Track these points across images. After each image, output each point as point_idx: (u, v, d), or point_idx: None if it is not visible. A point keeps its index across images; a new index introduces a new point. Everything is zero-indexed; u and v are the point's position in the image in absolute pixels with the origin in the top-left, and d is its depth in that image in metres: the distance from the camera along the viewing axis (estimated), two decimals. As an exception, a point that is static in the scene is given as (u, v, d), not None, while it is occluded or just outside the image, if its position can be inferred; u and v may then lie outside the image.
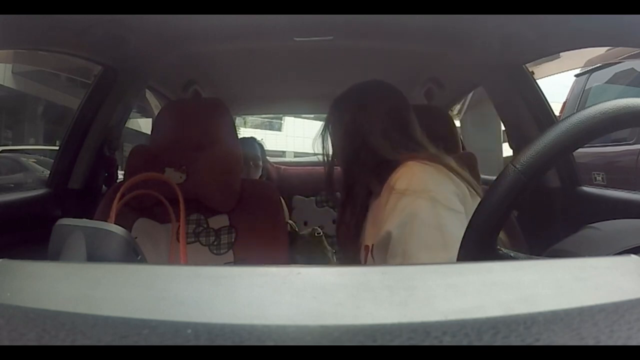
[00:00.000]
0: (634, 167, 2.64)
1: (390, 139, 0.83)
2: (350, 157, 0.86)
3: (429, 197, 0.71)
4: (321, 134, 0.95)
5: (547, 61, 1.21)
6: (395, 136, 0.83)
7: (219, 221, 1.00)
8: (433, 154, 0.82)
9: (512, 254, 0.45)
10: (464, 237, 0.44)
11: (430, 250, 0.67)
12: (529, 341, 0.21)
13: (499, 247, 0.44)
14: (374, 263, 0.76)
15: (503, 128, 1.50)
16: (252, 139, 1.84)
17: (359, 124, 0.84)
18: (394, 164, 0.78)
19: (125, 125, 1.45)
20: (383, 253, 0.73)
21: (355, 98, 0.89)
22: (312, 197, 1.90)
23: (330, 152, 0.94)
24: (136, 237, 0.74)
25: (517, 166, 0.41)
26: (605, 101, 0.41)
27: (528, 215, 1.09)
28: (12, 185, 5.35)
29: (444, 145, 0.89)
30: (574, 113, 0.42)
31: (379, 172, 0.80)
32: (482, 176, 1.08)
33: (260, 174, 1.72)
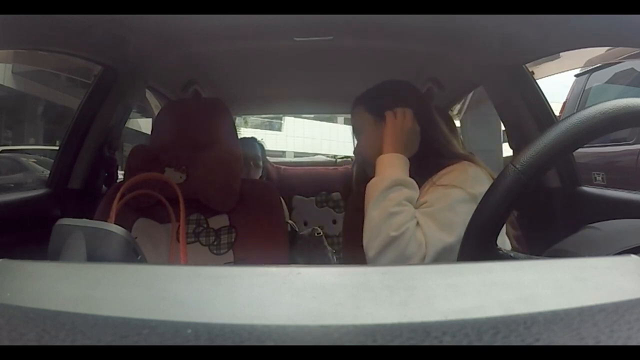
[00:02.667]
0: (634, 167, 2.64)
1: (445, 137, 0.85)
2: None
3: (468, 192, 0.74)
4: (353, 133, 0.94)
5: (547, 61, 1.21)
6: (447, 135, 0.86)
7: (219, 221, 1.00)
8: (476, 159, 0.85)
9: (512, 254, 0.45)
10: (464, 237, 0.44)
11: (438, 225, 0.72)
12: (529, 341, 0.21)
13: (498, 247, 0.44)
14: None
15: (503, 128, 1.50)
16: (252, 139, 1.84)
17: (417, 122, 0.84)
18: (443, 163, 0.80)
19: (125, 125, 1.45)
20: None
21: (400, 97, 0.87)
22: (312, 197, 1.91)
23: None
24: (136, 237, 0.73)
25: (517, 166, 0.41)
26: (605, 101, 0.41)
27: (528, 215, 1.09)
28: (12, 185, 5.35)
29: None
30: (574, 113, 0.42)
31: (422, 170, 0.82)
32: None
33: (260, 174, 1.72)
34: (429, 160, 0.82)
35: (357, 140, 0.93)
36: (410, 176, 0.80)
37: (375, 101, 0.89)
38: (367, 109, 0.89)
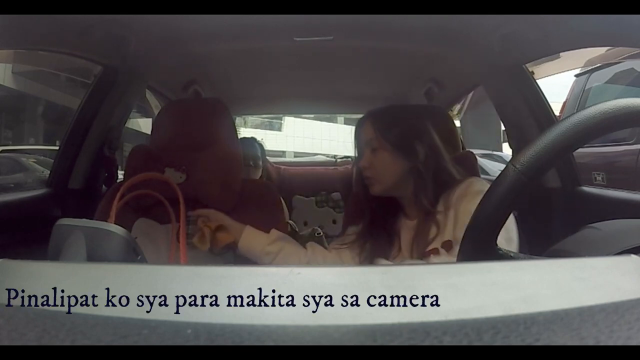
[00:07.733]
0: (634, 167, 2.64)
1: (448, 161, 0.91)
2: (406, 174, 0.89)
3: None
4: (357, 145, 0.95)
5: (547, 61, 1.21)
6: (449, 159, 0.91)
7: None
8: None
9: (512, 254, 0.45)
10: (464, 237, 0.44)
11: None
12: (529, 341, 0.21)
13: (498, 247, 0.44)
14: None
15: (503, 128, 1.50)
16: (252, 139, 1.84)
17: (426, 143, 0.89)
18: (452, 182, 0.86)
19: (125, 125, 1.45)
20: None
21: (410, 117, 0.93)
22: (312, 197, 1.90)
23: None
24: (136, 237, 0.73)
25: (517, 166, 0.41)
26: (605, 101, 0.41)
27: (528, 215, 1.09)
28: (12, 185, 5.34)
29: (445, 145, 0.91)
30: (574, 113, 0.42)
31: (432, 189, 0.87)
32: (482, 176, 1.08)
33: (260, 174, 1.72)
34: (436, 187, 0.87)
35: (361, 153, 0.92)
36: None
37: (387, 126, 0.89)
38: (377, 129, 0.90)
